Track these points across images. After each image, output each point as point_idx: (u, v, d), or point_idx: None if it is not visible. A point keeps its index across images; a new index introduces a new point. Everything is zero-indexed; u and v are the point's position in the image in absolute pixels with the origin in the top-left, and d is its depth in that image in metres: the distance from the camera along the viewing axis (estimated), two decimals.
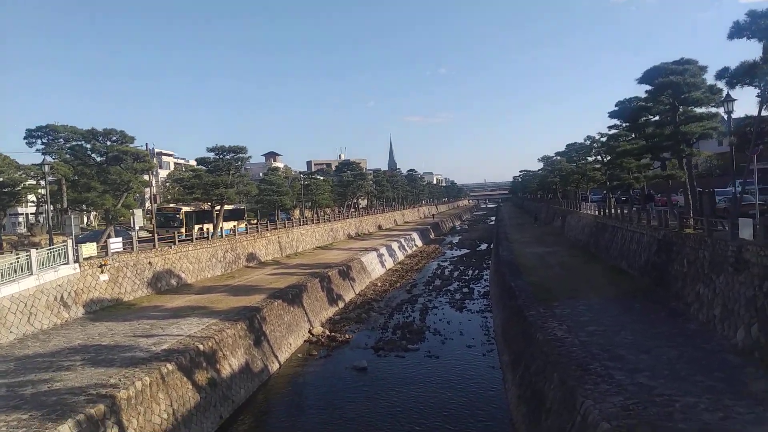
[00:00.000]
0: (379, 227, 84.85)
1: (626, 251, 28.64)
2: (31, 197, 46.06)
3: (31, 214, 59.71)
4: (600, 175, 50.91)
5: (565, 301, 22.33)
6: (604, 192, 60.80)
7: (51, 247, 23.83)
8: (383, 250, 56.21)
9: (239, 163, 38.40)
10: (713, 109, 21.88)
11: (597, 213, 39.26)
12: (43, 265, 22.65)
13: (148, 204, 59.95)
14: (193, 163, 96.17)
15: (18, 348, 19.05)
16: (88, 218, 59.81)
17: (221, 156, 37.42)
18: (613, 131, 39.98)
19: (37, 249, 23.08)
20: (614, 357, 14.78)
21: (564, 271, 30.14)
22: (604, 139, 48.21)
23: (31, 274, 21.88)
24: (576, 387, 12.98)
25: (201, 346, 18.90)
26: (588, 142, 51.65)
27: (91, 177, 28.59)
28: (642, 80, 23.19)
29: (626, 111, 23.48)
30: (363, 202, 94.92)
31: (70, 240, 24.25)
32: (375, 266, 49.94)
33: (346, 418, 18.33)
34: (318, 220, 61.09)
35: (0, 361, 17.41)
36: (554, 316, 19.98)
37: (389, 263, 55.23)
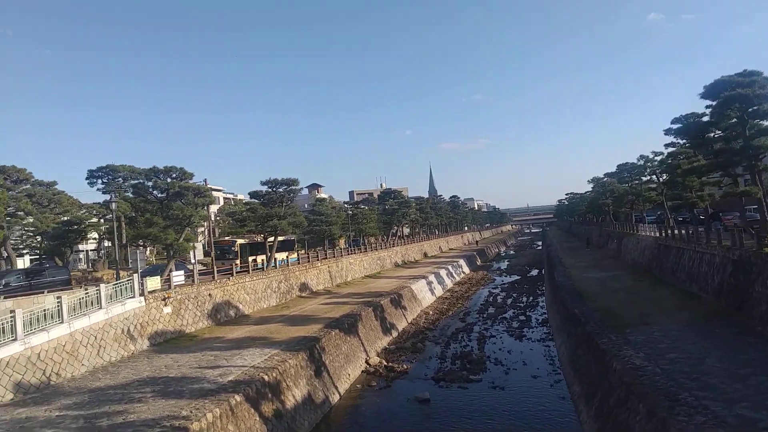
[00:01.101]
0: (425, 254, 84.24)
1: (696, 273, 27.21)
2: (93, 234, 48.23)
3: (91, 250, 62.43)
4: (656, 195, 49.22)
5: (638, 327, 21.24)
6: (659, 213, 58.80)
7: (118, 281, 24.59)
8: (432, 278, 55.57)
9: (291, 195, 39.08)
10: None
11: (658, 234, 37.67)
12: (111, 299, 23.38)
13: (200, 237, 61.69)
14: (241, 197, 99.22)
15: (90, 380, 19.53)
16: (145, 253, 62.00)
17: (274, 188, 38.20)
18: (670, 149, 38.79)
19: (102, 284, 23.86)
20: (704, 386, 13.82)
21: (630, 296, 28.84)
22: (659, 158, 46.92)
23: (101, 308, 22.61)
24: (668, 419, 12.15)
25: (266, 377, 18.87)
26: (641, 162, 50.28)
27: (154, 213, 29.58)
28: (705, 95, 22.37)
29: (690, 127, 22.49)
30: (406, 230, 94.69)
31: (136, 274, 24.98)
32: (425, 294, 49.32)
33: None
34: (365, 249, 61.16)
35: (75, 393, 17.86)
36: (629, 344, 19.00)
37: (438, 291, 54.48)
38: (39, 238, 40.29)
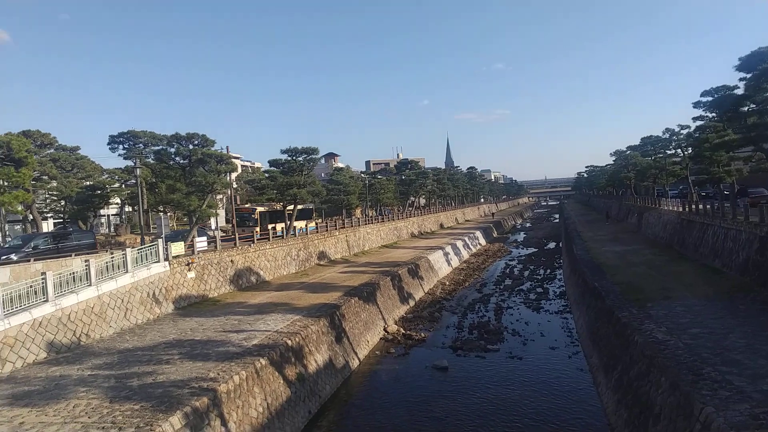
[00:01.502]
0: (441, 225, 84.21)
1: (719, 249, 26.85)
2: (115, 199, 48.95)
3: (112, 215, 63.47)
4: (680, 170, 48.35)
5: (660, 301, 21.13)
6: (681, 187, 57.82)
7: (143, 246, 25.03)
8: (448, 249, 55.67)
9: (311, 163, 39.09)
10: None
11: (681, 209, 37.09)
12: (137, 263, 23.86)
13: (219, 204, 62.25)
14: (258, 164, 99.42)
15: (118, 341, 20.12)
16: (168, 219, 62.90)
17: (294, 157, 38.22)
18: (698, 123, 37.82)
19: (127, 248, 24.34)
20: (728, 362, 13.76)
21: (651, 271, 28.63)
22: (685, 132, 45.87)
23: (127, 271, 23.11)
24: (691, 392, 12.17)
25: (289, 342, 19.26)
26: (667, 135, 49.22)
27: (176, 179, 29.85)
28: (741, 67, 21.64)
29: (723, 100, 21.76)
30: (421, 201, 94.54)
31: (161, 239, 25.39)
32: (442, 265, 49.52)
33: (432, 417, 18.06)
34: (382, 219, 61.29)
35: (105, 354, 18.44)
36: (650, 318, 18.94)
37: (455, 262, 54.65)
38: (63, 203, 41.02)
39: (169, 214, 62.03)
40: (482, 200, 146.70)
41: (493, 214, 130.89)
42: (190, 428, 12.90)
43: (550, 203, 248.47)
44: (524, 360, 23.22)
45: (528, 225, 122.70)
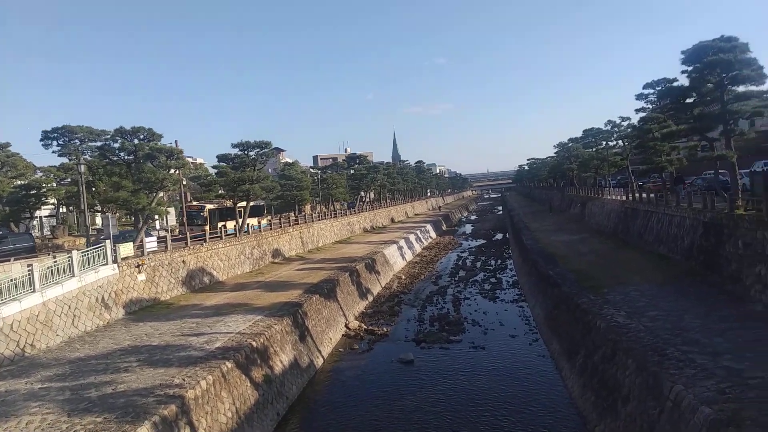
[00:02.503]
0: (392, 220, 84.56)
1: (664, 236, 28.24)
2: (50, 199, 45.91)
3: (45, 216, 59.58)
4: (621, 160, 50.50)
5: (615, 287, 22.00)
6: (618, 178, 60.60)
7: (89, 247, 23.56)
8: (402, 243, 55.90)
9: (264, 158, 38.05)
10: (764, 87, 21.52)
11: (625, 198, 38.83)
12: (83, 266, 22.43)
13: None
14: (200, 161, 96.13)
15: (68, 351, 18.85)
16: (116, 218, 59.62)
17: (245, 151, 37.07)
18: (641, 114, 39.52)
19: (64, 251, 22.81)
20: (688, 341, 14.45)
21: (600, 258, 29.81)
22: (626, 123, 47.92)
23: (73, 275, 21.68)
24: (659, 372, 12.69)
25: (254, 343, 18.66)
26: (608, 127, 51.23)
27: (122, 176, 28.23)
28: (686, 60, 22.70)
29: (671, 92, 22.79)
30: (370, 195, 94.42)
31: (108, 240, 23.98)
32: (397, 259, 49.67)
33: (401, 410, 18.00)
34: (335, 215, 60.75)
35: (54, 365, 17.22)
36: (608, 303, 19.68)
37: (409, 256, 54.96)
38: None
39: (115, 213, 59.03)
40: (429, 194, 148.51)
41: (440, 207, 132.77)
42: None
43: (492, 195, 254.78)
44: (487, 349, 23.60)
45: (474, 217, 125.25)
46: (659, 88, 38.13)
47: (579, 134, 62.77)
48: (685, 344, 14.26)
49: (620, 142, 50.43)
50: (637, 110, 40.59)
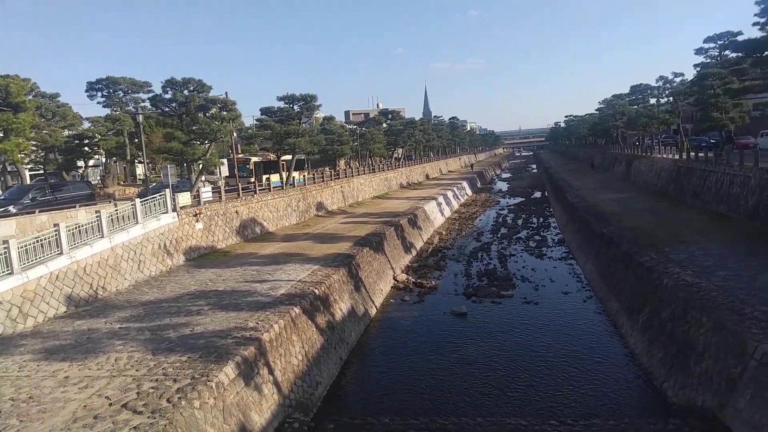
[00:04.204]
0: (427, 176, 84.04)
1: (725, 195, 27.37)
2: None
3: (91, 167, 61.05)
4: (671, 118, 48.72)
5: (677, 246, 21.53)
6: (663, 136, 58.58)
7: (149, 197, 24.09)
8: (441, 199, 55.68)
9: (310, 112, 37.83)
10: None
11: (678, 157, 37.57)
12: (146, 214, 23.02)
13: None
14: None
15: (137, 294, 19.60)
16: (150, 170, 60.89)
17: (291, 104, 36.86)
18: (698, 69, 37.75)
19: (113, 200, 23.33)
20: (766, 302, 14.13)
21: (656, 217, 29.14)
22: (678, 80, 45.96)
23: (137, 222, 22.31)
24: (740, 331, 12.49)
25: (317, 291, 19.05)
26: (660, 83, 49.26)
27: (174, 127, 28.48)
28: (766, 10, 21.37)
29: (746, 44, 21.39)
30: (398, 152, 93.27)
31: (168, 189, 24.48)
32: (436, 215, 49.62)
33: (461, 360, 18.25)
34: (373, 170, 60.62)
35: (127, 306, 17.96)
36: (673, 262, 19.30)
37: (447, 212, 54.83)
38: (42, 153, 38.98)
39: (167, 164, 60.14)
40: (458, 151, 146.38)
41: (472, 165, 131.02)
42: (242, 378, 12.73)
43: (524, 153, 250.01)
44: (540, 305, 23.61)
45: (508, 175, 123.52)
46: (721, 42, 36.26)
47: (618, 91, 60.62)
48: (765, 305, 13.92)
49: (670, 99, 48.48)
50: (696, 65, 38.80)
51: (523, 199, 67.21)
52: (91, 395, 11.13)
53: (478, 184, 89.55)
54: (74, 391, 11.39)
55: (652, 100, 56.30)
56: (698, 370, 13.48)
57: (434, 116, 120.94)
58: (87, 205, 25.80)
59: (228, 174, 35.78)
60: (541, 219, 48.69)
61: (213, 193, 28.80)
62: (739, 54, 27.74)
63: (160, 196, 23.90)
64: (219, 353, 13.21)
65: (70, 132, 41.68)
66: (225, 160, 29.25)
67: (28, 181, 38.89)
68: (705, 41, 35.56)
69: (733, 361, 12.24)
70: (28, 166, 42.15)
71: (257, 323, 15.37)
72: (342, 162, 66.97)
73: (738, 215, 25.21)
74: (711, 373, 12.93)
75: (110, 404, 10.60)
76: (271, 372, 13.99)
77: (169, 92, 29.67)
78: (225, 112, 28.48)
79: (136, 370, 12.44)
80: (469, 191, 76.08)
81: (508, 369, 17.30)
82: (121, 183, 48.28)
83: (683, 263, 18.95)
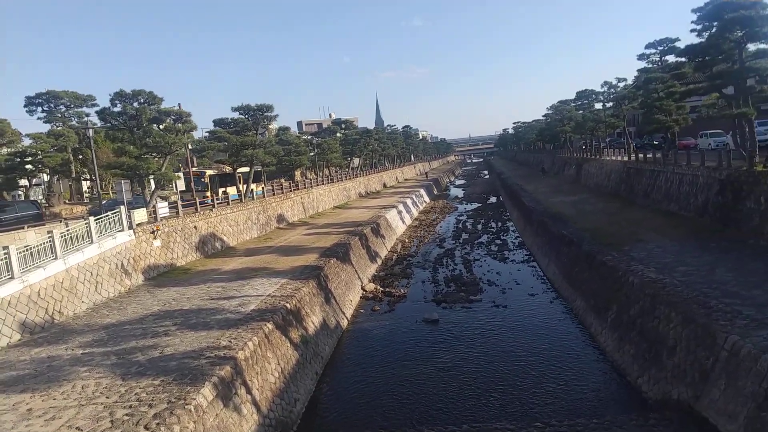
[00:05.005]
0: (384, 185, 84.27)
1: (675, 194, 28.65)
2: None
3: (33, 185, 57.82)
4: (617, 121, 50.76)
5: (635, 244, 22.31)
6: (608, 139, 61.16)
7: (103, 215, 22.96)
8: (400, 207, 55.85)
9: (266, 122, 37.15)
10: None
11: (627, 158, 39.16)
12: (101, 233, 21.92)
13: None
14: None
15: (97, 317, 18.62)
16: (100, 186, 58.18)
17: (247, 115, 36.11)
18: (641, 75, 39.60)
19: (61, 220, 22.22)
20: (728, 294, 14.74)
21: (609, 217, 30.18)
22: (622, 85, 48.02)
23: (92, 242, 21.21)
24: (709, 323, 12.99)
25: (288, 305, 18.60)
26: (604, 89, 51.25)
27: (125, 141, 27.31)
28: (703, 17, 22.63)
29: (694, 49, 22.56)
30: (355, 161, 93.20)
31: (123, 206, 23.41)
32: (398, 223, 49.71)
33: (437, 366, 18.24)
34: (331, 180, 60.23)
35: (88, 331, 17.01)
36: (633, 260, 19.98)
37: (408, 220, 55.06)
38: None
39: (121, 180, 57.42)
40: (413, 159, 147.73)
41: (426, 173, 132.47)
42: (221, 399, 12.21)
43: (474, 160, 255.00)
44: (508, 308, 23.94)
45: (462, 182, 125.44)
46: (661, 47, 38.22)
47: (564, 97, 62.80)
48: (726, 297, 14.54)
49: (615, 103, 50.46)
50: (640, 70, 40.69)
51: (480, 204, 68.36)
52: (60, 427, 10.40)
53: (435, 191, 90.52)
54: (40, 423, 10.61)
55: (598, 105, 58.59)
56: (671, 364, 13.92)
57: (387, 125, 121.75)
58: (35, 226, 24.44)
59: (184, 188, 34.66)
60: (500, 223, 49.62)
61: (170, 208, 27.72)
62: (680, 59, 29.25)
63: (114, 213, 22.81)
64: (194, 374, 12.64)
65: (9, 149, 39.44)
66: (181, 174, 28.23)
67: None
68: (646, 47, 37.43)
69: (705, 353, 12.71)
70: None
71: (230, 341, 14.83)
72: (298, 173, 66.22)
73: (688, 213, 26.42)
74: (684, 366, 13.37)
75: None
76: (248, 391, 13.49)
77: (118, 105, 28.47)
78: (180, 124, 27.55)
79: (107, 397, 11.73)
80: (426, 198, 76.75)
81: (486, 373, 17.40)
82: (67, 202, 45.98)
83: (644, 261, 19.64)
